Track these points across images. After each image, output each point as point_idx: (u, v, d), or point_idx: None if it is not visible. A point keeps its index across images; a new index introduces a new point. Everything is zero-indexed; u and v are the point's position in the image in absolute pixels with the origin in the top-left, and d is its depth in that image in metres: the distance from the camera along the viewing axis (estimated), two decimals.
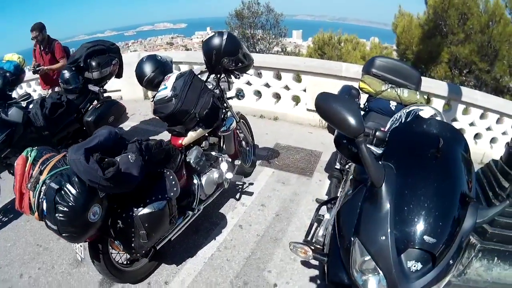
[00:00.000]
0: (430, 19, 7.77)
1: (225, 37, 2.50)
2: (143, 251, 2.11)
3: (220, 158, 2.86)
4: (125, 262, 2.36)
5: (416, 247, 1.13)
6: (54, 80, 4.26)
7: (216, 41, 2.52)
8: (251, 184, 3.46)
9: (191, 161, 2.53)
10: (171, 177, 2.11)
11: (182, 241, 2.69)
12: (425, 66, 7.83)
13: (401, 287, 1.09)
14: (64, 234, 1.71)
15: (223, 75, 2.72)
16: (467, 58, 7.23)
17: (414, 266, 1.13)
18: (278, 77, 5.19)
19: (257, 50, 13.00)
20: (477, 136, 4.56)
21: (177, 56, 5.63)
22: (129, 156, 1.84)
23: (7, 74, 3.25)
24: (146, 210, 1.94)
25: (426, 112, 1.67)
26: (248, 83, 5.29)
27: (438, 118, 1.64)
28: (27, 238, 2.95)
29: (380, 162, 1.26)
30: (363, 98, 2.91)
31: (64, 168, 1.77)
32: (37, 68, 4.10)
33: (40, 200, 1.72)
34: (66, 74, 3.45)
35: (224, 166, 2.82)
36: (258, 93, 5.42)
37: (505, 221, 2.42)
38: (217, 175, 2.74)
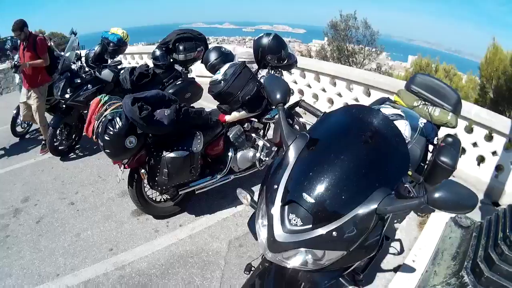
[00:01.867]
0: None
1: (271, 37, 3.01)
2: (164, 188, 2.69)
3: (259, 141, 3.29)
4: (154, 198, 3.00)
5: (295, 200, 1.28)
6: (37, 82, 4.23)
7: (263, 40, 3.04)
8: None
9: (230, 136, 3.06)
10: (199, 137, 2.67)
11: (208, 200, 3.24)
12: (507, 103, 6.96)
13: (275, 232, 1.26)
14: (106, 150, 2.43)
15: (269, 70, 3.20)
16: None
17: (294, 220, 1.26)
18: (350, 89, 5.36)
19: (350, 63, 13.12)
20: None
21: None
22: (166, 111, 2.46)
23: (110, 43, 4.24)
24: (171, 154, 2.53)
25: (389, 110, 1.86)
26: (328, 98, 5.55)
27: (401, 121, 1.82)
28: (93, 170, 3.89)
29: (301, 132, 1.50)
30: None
31: (121, 109, 2.47)
32: (17, 65, 4.15)
33: (98, 126, 2.44)
34: (157, 52, 4.27)
35: (261, 148, 3.25)
36: (331, 101, 5.70)
37: (507, 269, 2.18)
38: (251, 154, 3.20)
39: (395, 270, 2.46)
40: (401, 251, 2.72)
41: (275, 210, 1.29)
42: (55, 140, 4.16)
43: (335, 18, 13.64)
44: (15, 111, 4.88)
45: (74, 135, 4.39)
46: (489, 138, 4.06)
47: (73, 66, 4.07)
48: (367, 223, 1.22)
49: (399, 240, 2.78)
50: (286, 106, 3.80)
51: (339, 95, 5.41)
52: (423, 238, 2.83)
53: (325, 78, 5.44)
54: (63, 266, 2.57)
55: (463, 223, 2.80)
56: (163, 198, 3.03)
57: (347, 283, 1.37)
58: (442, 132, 2.82)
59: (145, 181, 2.80)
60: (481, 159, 4.20)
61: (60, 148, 4.28)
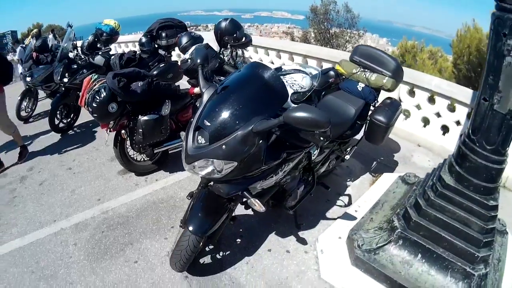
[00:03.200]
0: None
1: (227, 22, 3.65)
2: (140, 146, 3.38)
3: None
4: (135, 158, 3.69)
5: (200, 126, 1.80)
6: None
7: (222, 24, 3.68)
8: None
9: (198, 105, 3.74)
10: (167, 104, 3.35)
11: (181, 160, 3.92)
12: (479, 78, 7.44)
13: (188, 149, 1.82)
14: (94, 115, 3.12)
15: (229, 49, 3.85)
16: None
17: (200, 140, 1.80)
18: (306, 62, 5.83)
19: (333, 46, 13.81)
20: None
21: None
22: (139, 83, 3.17)
23: (104, 34, 4.96)
24: (145, 117, 3.21)
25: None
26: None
27: (298, 74, 2.32)
28: (88, 142, 4.63)
29: (213, 83, 2.08)
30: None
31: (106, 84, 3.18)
32: None
33: (88, 96, 3.15)
34: (143, 39, 4.93)
35: None
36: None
37: (434, 214, 2.38)
38: None
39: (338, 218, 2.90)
40: (349, 204, 3.18)
41: (189, 134, 1.86)
42: (56, 119, 4.90)
43: (315, 3, 14.53)
44: (19, 97, 5.60)
45: (72, 115, 5.10)
46: (452, 108, 4.33)
47: (70, 55, 4.79)
48: (248, 139, 1.71)
49: (348, 195, 3.30)
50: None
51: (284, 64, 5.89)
52: (370, 192, 3.24)
53: (284, 54, 6.05)
54: (59, 215, 3.23)
55: (410, 180, 3.09)
56: (143, 158, 3.71)
57: (249, 195, 1.96)
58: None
59: (128, 143, 3.52)
60: (445, 129, 4.47)
61: (60, 126, 5.00)
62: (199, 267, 2.47)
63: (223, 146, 1.74)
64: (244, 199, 2.16)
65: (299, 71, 2.32)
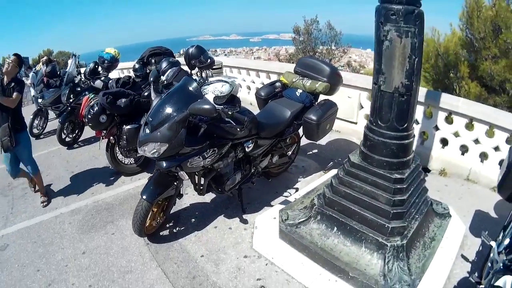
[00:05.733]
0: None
1: (193, 48, 4.64)
2: (126, 150, 4.35)
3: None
4: (123, 161, 4.65)
5: (147, 121, 2.74)
6: None
7: (189, 50, 4.65)
8: None
9: None
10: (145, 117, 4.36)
11: None
12: (445, 79, 8.10)
13: (139, 138, 2.76)
14: (89, 124, 4.14)
15: (196, 71, 4.81)
16: (500, 75, 7.10)
17: (147, 131, 2.70)
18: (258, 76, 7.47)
19: None
20: (463, 148, 4.47)
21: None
22: (123, 100, 4.17)
23: (105, 61, 6.08)
24: (128, 126, 4.18)
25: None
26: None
27: (219, 83, 3.15)
28: (89, 153, 5.70)
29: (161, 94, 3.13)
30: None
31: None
32: None
33: (86, 110, 4.19)
34: (136, 65, 5.92)
35: None
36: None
37: (345, 190, 2.82)
38: None
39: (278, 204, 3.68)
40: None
41: (142, 127, 2.84)
42: (63, 133, 5.98)
43: (296, 24, 15.83)
44: (31, 116, 6.73)
45: (77, 131, 6.17)
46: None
47: (75, 79, 5.94)
48: (173, 128, 2.60)
49: (296, 188, 4.07)
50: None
51: (253, 81, 7.55)
52: (314, 184, 3.90)
53: (243, 70, 7.80)
54: (60, 204, 4.17)
55: None
56: (130, 162, 4.67)
57: (180, 169, 2.86)
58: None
59: (117, 148, 4.51)
60: None
61: (67, 140, 6.07)
62: (158, 237, 3.34)
63: (158, 133, 2.66)
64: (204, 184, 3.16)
65: (221, 81, 3.17)
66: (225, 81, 3.12)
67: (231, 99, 3.12)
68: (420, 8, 2.38)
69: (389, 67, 2.49)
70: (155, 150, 2.71)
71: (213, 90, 3.00)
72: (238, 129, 3.05)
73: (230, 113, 2.84)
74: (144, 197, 2.90)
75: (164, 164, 2.84)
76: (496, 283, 1.76)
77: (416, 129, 4.64)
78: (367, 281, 2.51)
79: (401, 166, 2.71)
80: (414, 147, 4.24)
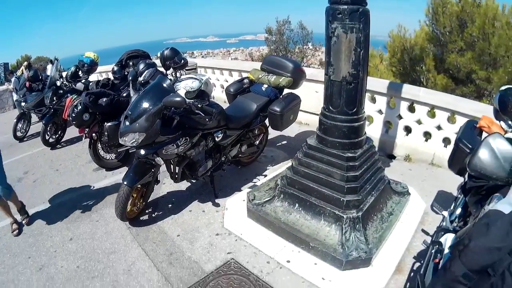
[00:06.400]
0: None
1: (168, 49, 5.01)
2: (107, 146, 4.70)
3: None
4: (105, 157, 4.98)
5: (127, 114, 3.12)
6: None
7: (164, 52, 5.00)
8: None
9: None
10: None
11: None
12: (412, 72, 8.65)
13: (120, 130, 3.15)
14: (73, 122, 4.48)
15: (171, 71, 5.18)
16: (466, 66, 7.64)
17: (126, 123, 3.08)
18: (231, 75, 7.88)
19: None
20: (426, 135, 4.83)
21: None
22: (104, 99, 4.52)
23: (85, 65, 6.39)
24: (109, 124, 4.52)
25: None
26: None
27: (189, 80, 3.57)
28: (72, 152, 6.02)
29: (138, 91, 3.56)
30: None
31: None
32: None
33: (70, 110, 4.53)
34: (115, 68, 6.23)
35: None
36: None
37: (304, 170, 3.16)
38: None
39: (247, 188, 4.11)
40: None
41: (122, 120, 3.21)
42: (46, 135, 6.26)
43: (268, 25, 16.66)
44: (15, 120, 7.00)
45: (60, 131, 6.46)
46: (373, 100, 5.14)
47: (57, 82, 6.23)
48: (149, 120, 2.97)
49: (265, 175, 4.48)
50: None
51: (226, 80, 7.98)
52: (279, 170, 4.24)
53: (217, 70, 8.23)
54: (47, 198, 4.47)
55: None
56: (111, 158, 5.02)
57: (157, 156, 3.24)
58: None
59: (99, 145, 4.85)
60: (371, 119, 5.20)
61: (50, 141, 6.34)
62: (139, 221, 3.70)
63: (137, 124, 3.04)
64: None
65: (191, 77, 3.59)
66: (195, 78, 3.53)
67: (201, 94, 3.53)
68: (365, 6, 2.77)
69: (336, 59, 2.89)
70: (134, 140, 3.10)
71: (185, 86, 3.39)
72: (207, 120, 3.44)
73: (199, 106, 3.25)
74: (125, 182, 3.27)
75: (142, 152, 3.22)
76: (439, 239, 2.09)
77: (380, 118, 5.11)
78: (326, 250, 2.85)
79: (353, 146, 3.06)
80: (379, 136, 4.75)
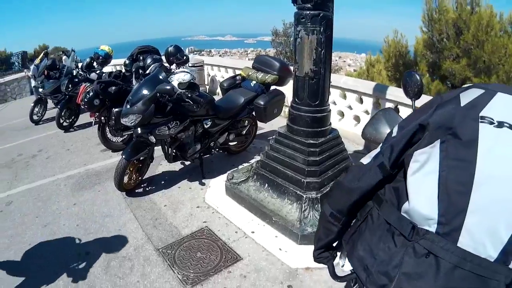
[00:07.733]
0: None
1: (172, 46, 5.63)
2: (114, 129, 5.35)
3: None
4: (111, 139, 5.63)
5: (128, 99, 3.77)
6: None
7: (168, 49, 5.62)
8: None
9: None
10: None
11: None
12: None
13: (122, 112, 3.74)
14: (85, 106, 5.15)
15: (175, 66, 5.76)
16: (461, 73, 7.84)
17: (127, 106, 3.66)
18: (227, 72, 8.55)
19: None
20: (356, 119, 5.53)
21: None
22: (113, 88, 5.18)
23: (100, 57, 7.10)
24: (116, 109, 5.11)
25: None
26: None
27: (181, 73, 4.10)
28: (83, 135, 6.69)
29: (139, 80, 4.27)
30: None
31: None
32: None
33: (83, 96, 5.21)
34: (126, 61, 6.93)
35: None
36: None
37: (273, 154, 3.55)
38: None
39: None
40: None
41: (124, 104, 3.83)
42: (61, 119, 6.98)
43: (274, 27, 17.17)
44: (32, 104, 7.75)
45: (73, 117, 7.16)
46: (360, 100, 5.51)
47: (74, 72, 6.97)
48: (146, 104, 3.58)
49: (250, 163, 4.73)
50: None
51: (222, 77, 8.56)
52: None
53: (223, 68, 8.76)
54: (57, 172, 5.12)
55: None
56: (117, 140, 5.67)
57: (151, 135, 3.84)
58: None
59: (107, 128, 5.51)
60: (357, 119, 5.56)
61: (64, 125, 7.06)
62: (134, 193, 4.30)
63: (135, 107, 3.65)
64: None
65: (184, 71, 4.18)
66: (187, 72, 4.13)
67: (192, 85, 4.12)
68: (327, 12, 3.12)
69: (300, 57, 3.23)
70: (132, 120, 3.72)
71: (178, 78, 3.97)
72: (195, 108, 4.04)
73: (189, 95, 3.83)
74: (124, 156, 3.89)
75: (139, 131, 3.83)
76: None
77: (367, 118, 5.26)
78: (286, 224, 3.20)
79: (315, 134, 3.36)
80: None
